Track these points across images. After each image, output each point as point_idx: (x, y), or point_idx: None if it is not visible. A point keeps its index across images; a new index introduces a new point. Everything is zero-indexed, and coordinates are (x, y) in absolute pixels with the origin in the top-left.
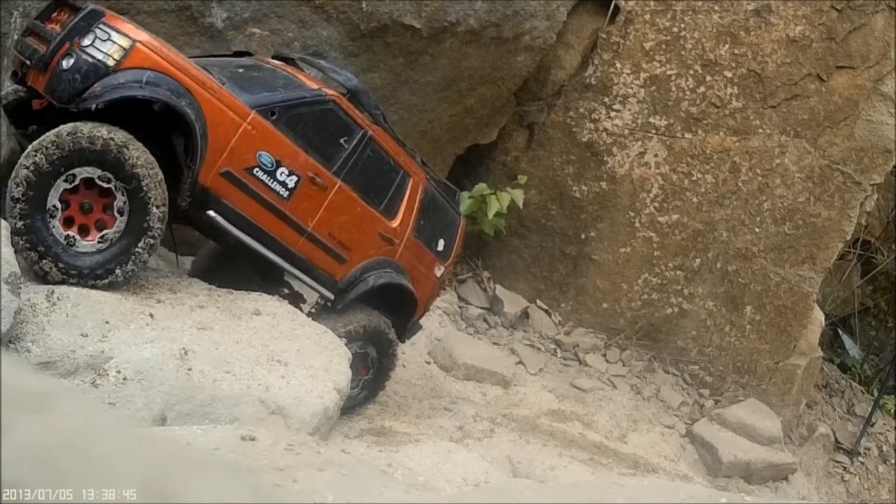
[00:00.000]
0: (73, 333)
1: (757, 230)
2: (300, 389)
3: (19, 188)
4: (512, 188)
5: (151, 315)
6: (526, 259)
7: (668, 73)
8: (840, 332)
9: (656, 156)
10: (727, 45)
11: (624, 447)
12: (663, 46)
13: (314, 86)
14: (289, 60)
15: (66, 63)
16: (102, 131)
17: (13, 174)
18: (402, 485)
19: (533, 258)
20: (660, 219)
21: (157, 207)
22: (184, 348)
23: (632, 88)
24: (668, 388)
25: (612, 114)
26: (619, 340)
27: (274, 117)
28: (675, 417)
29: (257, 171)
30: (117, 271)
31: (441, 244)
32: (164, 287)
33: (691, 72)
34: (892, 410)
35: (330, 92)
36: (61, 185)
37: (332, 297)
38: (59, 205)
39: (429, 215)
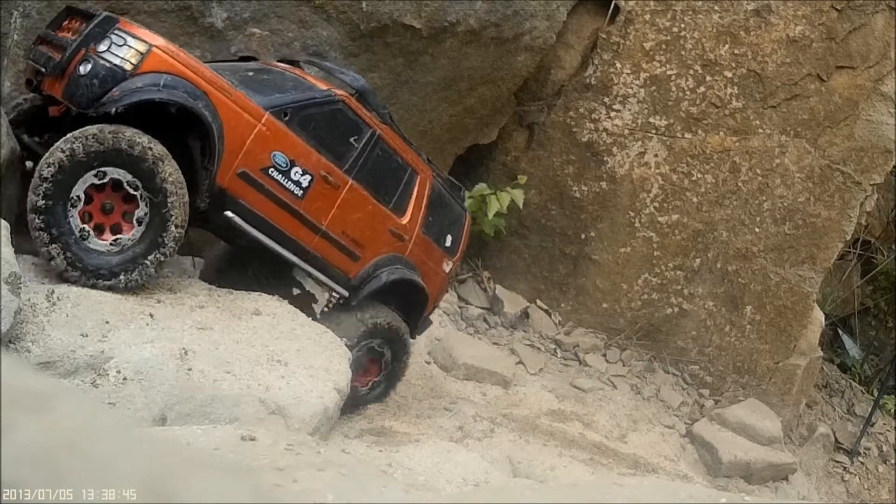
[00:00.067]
0: (73, 333)
1: (757, 230)
2: (300, 389)
3: (50, 168)
4: (512, 188)
5: (151, 315)
6: (526, 259)
7: (668, 73)
8: (840, 332)
9: (656, 156)
10: (727, 45)
11: (624, 447)
12: (663, 46)
13: (324, 86)
14: (294, 63)
15: (84, 69)
16: (144, 139)
17: (47, 154)
18: (402, 485)
19: (533, 258)
20: (660, 219)
21: (176, 227)
22: (184, 348)
23: (632, 88)
24: (668, 388)
25: (612, 114)
26: (619, 340)
27: (287, 118)
28: (675, 417)
29: (272, 172)
30: (121, 277)
31: (449, 240)
32: (164, 287)
33: (691, 72)
34: (892, 410)
35: (339, 92)
36: (90, 179)
37: (346, 294)
38: (82, 196)
39: (436, 212)
